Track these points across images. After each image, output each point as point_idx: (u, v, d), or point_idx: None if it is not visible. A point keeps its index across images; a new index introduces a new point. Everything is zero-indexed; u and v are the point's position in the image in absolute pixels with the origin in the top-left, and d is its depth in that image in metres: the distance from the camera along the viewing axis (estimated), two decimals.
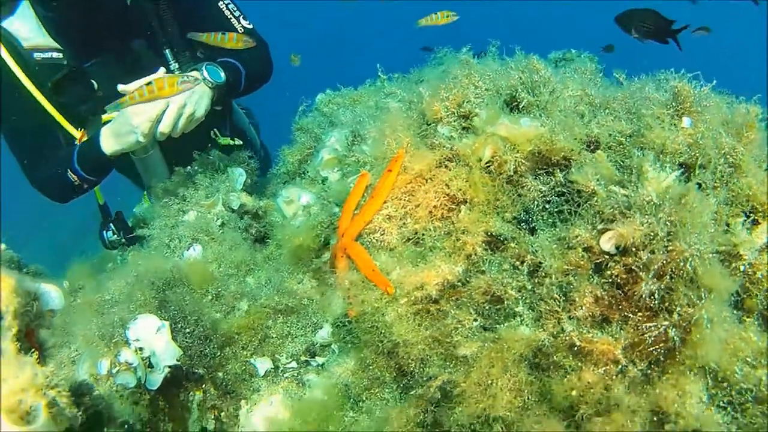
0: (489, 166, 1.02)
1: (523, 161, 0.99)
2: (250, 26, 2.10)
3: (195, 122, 1.71)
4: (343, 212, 1.10)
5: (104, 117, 1.88)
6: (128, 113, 1.61)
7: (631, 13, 1.57)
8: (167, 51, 1.99)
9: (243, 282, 1.46)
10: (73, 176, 1.85)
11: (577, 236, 0.88)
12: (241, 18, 2.08)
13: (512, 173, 0.99)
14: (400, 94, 1.36)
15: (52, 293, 0.85)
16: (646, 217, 0.84)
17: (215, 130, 2.17)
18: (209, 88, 1.73)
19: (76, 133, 1.89)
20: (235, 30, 2.05)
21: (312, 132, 1.72)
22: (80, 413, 0.71)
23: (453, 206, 1.04)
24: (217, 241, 1.59)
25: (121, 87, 1.63)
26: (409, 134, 1.12)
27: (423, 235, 1.04)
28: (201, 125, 1.75)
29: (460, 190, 1.01)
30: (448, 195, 1.03)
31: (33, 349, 0.79)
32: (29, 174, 1.99)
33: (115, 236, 2.14)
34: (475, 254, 0.99)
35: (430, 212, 1.04)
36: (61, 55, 1.88)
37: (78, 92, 1.89)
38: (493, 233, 0.99)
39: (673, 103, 1.01)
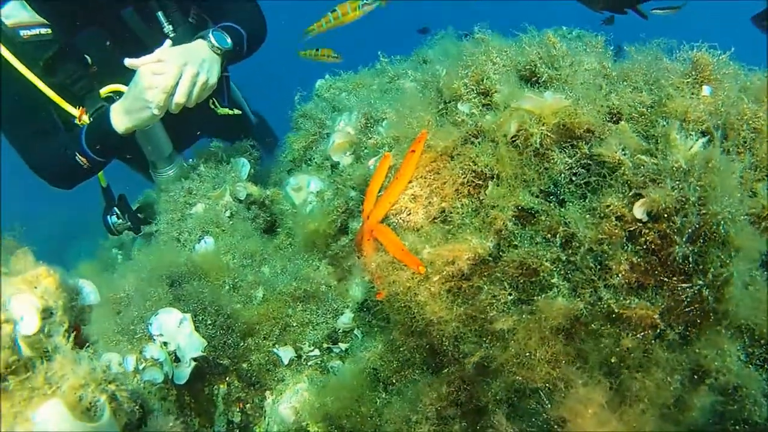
0: (515, 141, 1.03)
1: (549, 134, 1.01)
2: None
3: (209, 90, 1.69)
4: (367, 195, 1.11)
5: (102, 91, 1.86)
6: (140, 88, 1.59)
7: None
8: (160, 14, 1.96)
9: (258, 272, 1.47)
10: (82, 159, 1.80)
11: (609, 205, 0.91)
12: None
13: (539, 146, 1.00)
14: (413, 74, 1.36)
15: (88, 289, 0.85)
16: (677, 182, 0.86)
17: (214, 99, 2.14)
18: (217, 54, 1.71)
19: (75, 112, 1.85)
20: None
21: (316, 118, 1.72)
22: (138, 408, 0.72)
23: (480, 182, 1.05)
24: (227, 232, 1.59)
25: (127, 61, 1.61)
26: (429, 113, 1.13)
27: (451, 213, 1.06)
28: None
29: (487, 165, 1.03)
30: (474, 171, 1.04)
31: (83, 345, 0.79)
32: (31, 160, 1.93)
33: (120, 220, 2.11)
34: (506, 229, 1.00)
35: (457, 189, 1.05)
36: (48, 30, 1.83)
37: (71, 69, 1.87)
38: (523, 207, 1.01)
39: (693, 72, 1.04)
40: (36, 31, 1.82)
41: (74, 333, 0.75)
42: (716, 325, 0.86)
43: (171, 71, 1.54)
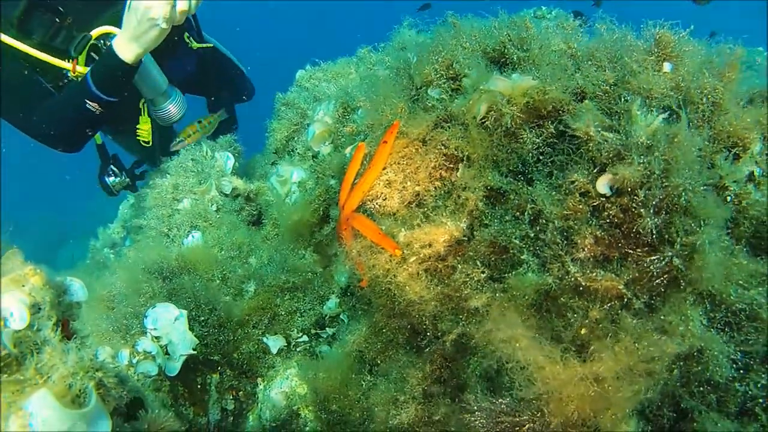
0: (484, 122, 1.08)
1: (519, 114, 1.05)
2: None
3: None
4: (343, 184, 1.16)
5: (94, 33, 1.88)
6: (142, 10, 1.64)
7: None
8: None
9: (246, 263, 1.52)
10: (93, 104, 1.83)
11: (573, 182, 0.95)
12: None
13: (509, 126, 1.05)
14: (389, 61, 1.40)
15: (76, 286, 0.90)
16: (642, 157, 0.91)
17: (187, 34, 2.21)
18: None
19: (67, 65, 1.89)
20: None
21: (298, 107, 1.76)
22: (125, 393, 0.77)
23: (451, 166, 1.10)
24: (215, 225, 1.64)
25: None
26: (401, 100, 1.17)
27: (424, 196, 1.10)
28: (174, 29, 1.76)
29: (458, 148, 1.08)
30: (446, 155, 1.09)
31: (71, 338, 0.84)
32: (36, 128, 1.97)
33: (118, 178, 2.16)
34: (477, 209, 1.05)
35: (430, 174, 1.10)
36: None
37: (48, 23, 1.90)
38: (493, 187, 1.06)
39: (655, 49, 1.08)
40: None
41: (62, 327, 0.80)
42: (680, 293, 0.91)
43: None
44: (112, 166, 2.20)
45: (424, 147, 1.10)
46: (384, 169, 1.13)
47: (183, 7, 1.65)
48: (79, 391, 0.72)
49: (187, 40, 2.18)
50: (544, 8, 2.41)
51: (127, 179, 2.19)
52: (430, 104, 1.15)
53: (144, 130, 2.16)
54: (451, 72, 1.19)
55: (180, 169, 1.80)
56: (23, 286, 0.82)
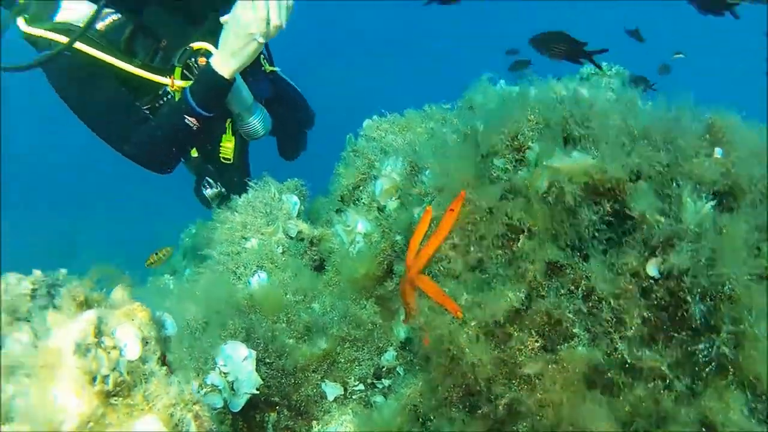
0: (546, 197, 1.26)
1: (579, 192, 1.23)
2: None
3: (291, 10, 2.02)
4: (410, 245, 1.36)
5: (195, 45, 2.22)
6: (242, 24, 1.94)
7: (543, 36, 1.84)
8: None
9: (310, 308, 1.74)
10: (191, 119, 2.13)
11: (625, 263, 1.12)
12: None
13: (570, 204, 1.23)
14: (456, 123, 1.61)
15: (169, 321, 1.12)
16: (689, 245, 1.07)
17: (263, 56, 2.59)
18: None
19: (166, 81, 2.22)
20: None
21: (366, 156, 1.99)
22: (215, 427, 0.98)
23: (513, 236, 1.28)
24: (280, 268, 1.87)
25: (222, 19, 2.01)
26: (469, 167, 1.37)
27: (487, 263, 1.29)
28: None
29: (520, 220, 1.26)
30: (509, 225, 1.27)
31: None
32: (132, 149, 2.28)
33: (215, 189, 2.48)
34: (536, 280, 1.23)
35: (493, 242, 1.28)
36: (118, 16, 2.21)
37: (148, 45, 2.25)
38: (551, 260, 1.23)
39: (707, 135, 1.24)
40: (109, 20, 2.20)
41: (162, 360, 1.03)
42: (722, 379, 1.05)
43: (261, 3, 1.91)
44: (208, 179, 2.51)
45: (489, 216, 1.29)
46: (450, 233, 1.32)
47: (276, 22, 1.94)
48: (179, 420, 0.94)
49: (263, 62, 2.52)
50: (605, 64, 2.58)
51: (223, 189, 2.49)
52: (495, 174, 1.35)
53: (227, 147, 2.47)
54: (516, 143, 1.38)
55: (249, 208, 2.06)
56: (133, 320, 1.06)
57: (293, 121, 3.00)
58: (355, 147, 2.09)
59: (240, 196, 2.21)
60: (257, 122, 2.39)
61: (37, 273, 2.82)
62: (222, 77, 2.06)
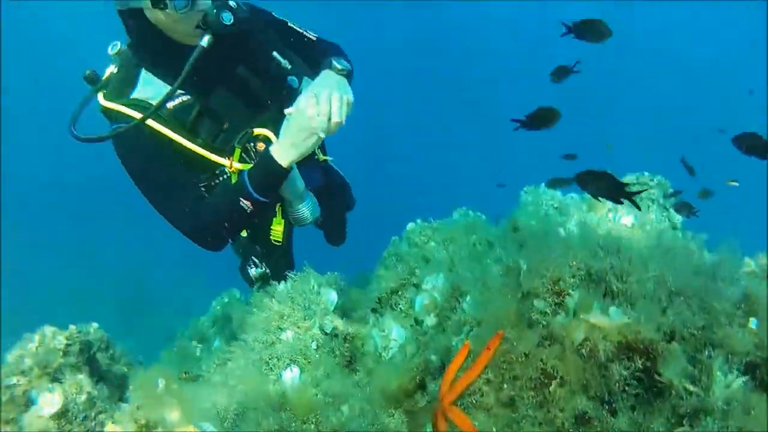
0: (580, 349, 1.39)
1: (612, 349, 1.36)
2: (317, 35, 2.73)
3: (350, 107, 2.21)
4: (446, 377, 1.49)
5: (255, 131, 2.43)
6: (304, 120, 2.12)
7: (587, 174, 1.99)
8: (275, 53, 2.51)
9: (339, 411, 1.86)
10: (246, 202, 2.29)
11: (653, 427, 1.24)
12: (308, 31, 2.72)
13: (603, 359, 1.35)
14: (499, 251, 1.76)
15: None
16: (716, 422, 1.18)
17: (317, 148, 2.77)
18: (344, 75, 2.28)
19: (225, 162, 2.41)
20: (312, 41, 2.69)
21: (407, 263, 2.14)
22: None
23: (546, 381, 1.41)
24: (313, 365, 2.00)
25: (287, 111, 2.18)
26: (509, 306, 1.51)
27: (519, 402, 1.41)
28: None
29: (554, 367, 1.39)
30: (543, 370, 1.40)
31: None
32: (188, 225, 2.45)
33: (260, 270, 2.64)
34: (564, 427, 1.35)
35: (526, 383, 1.41)
36: (189, 97, 2.42)
37: (212, 127, 2.44)
38: (580, 410, 1.35)
39: (743, 304, 1.37)
40: (178, 100, 2.41)
41: None
42: None
43: (324, 99, 2.09)
44: (254, 258, 2.68)
45: (525, 359, 1.42)
46: (485, 368, 1.45)
47: (337, 119, 2.13)
48: None
49: (317, 152, 2.72)
50: (647, 174, 2.74)
51: (268, 270, 2.65)
52: (534, 317, 1.49)
53: (277, 230, 2.65)
54: (556, 287, 1.53)
55: (288, 299, 2.21)
56: None
57: (340, 210, 3.20)
58: (396, 251, 2.24)
59: (282, 281, 2.39)
60: (306, 210, 2.56)
61: (72, 328, 3.01)
62: (280, 166, 2.24)
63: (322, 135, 2.16)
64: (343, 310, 2.36)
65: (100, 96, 2.38)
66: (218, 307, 3.27)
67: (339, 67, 2.29)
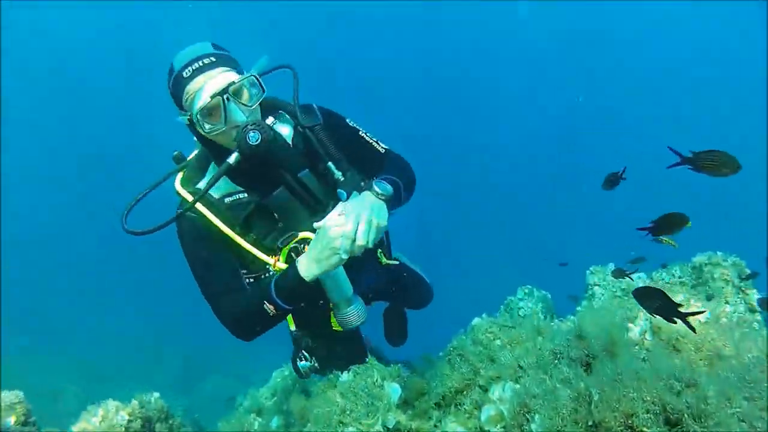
0: None
1: None
2: (387, 147, 2.76)
3: (381, 231, 2.23)
4: None
5: (301, 234, 2.48)
6: (328, 238, 2.16)
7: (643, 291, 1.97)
8: (330, 164, 2.56)
9: None
10: (270, 306, 2.35)
11: None
12: (379, 142, 2.75)
13: None
14: (567, 371, 1.76)
15: None
16: None
17: (380, 250, 2.82)
18: (382, 200, 2.29)
19: (270, 260, 2.48)
20: (380, 152, 2.73)
21: (472, 364, 2.15)
22: None
23: None
24: None
25: (315, 225, 2.22)
26: None
27: None
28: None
29: None
30: None
31: None
32: (219, 311, 2.53)
33: (309, 364, 2.69)
34: None
35: None
36: (246, 195, 2.53)
37: (263, 225, 2.51)
38: None
39: None
40: (236, 197, 2.54)
41: None
42: None
43: (351, 220, 2.12)
44: (303, 352, 2.74)
45: None
46: None
47: (361, 242, 2.15)
48: None
49: (379, 256, 2.77)
50: (719, 254, 2.66)
51: (317, 364, 2.70)
52: None
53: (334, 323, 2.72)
54: (629, 421, 1.51)
55: (351, 394, 2.24)
56: None
57: (401, 310, 3.24)
58: (460, 349, 2.25)
59: (337, 370, 2.43)
60: (353, 314, 2.60)
61: (135, 404, 3.13)
62: (302, 278, 2.28)
63: (345, 256, 2.17)
64: (406, 400, 2.38)
65: (178, 178, 2.56)
66: (278, 379, 3.34)
67: (379, 191, 2.30)
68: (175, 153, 2.62)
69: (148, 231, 2.40)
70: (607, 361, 1.86)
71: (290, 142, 2.60)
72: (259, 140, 2.25)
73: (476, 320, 2.34)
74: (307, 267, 2.27)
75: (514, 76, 21.97)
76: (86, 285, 15.44)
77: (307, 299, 2.41)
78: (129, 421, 2.79)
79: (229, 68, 2.33)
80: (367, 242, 2.17)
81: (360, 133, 2.74)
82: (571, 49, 21.26)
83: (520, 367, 2.01)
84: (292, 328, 2.67)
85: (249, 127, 2.26)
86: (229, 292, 2.51)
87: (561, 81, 21.13)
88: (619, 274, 2.80)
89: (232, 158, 2.32)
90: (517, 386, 1.89)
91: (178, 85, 2.33)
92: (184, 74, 2.30)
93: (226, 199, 2.53)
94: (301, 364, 2.68)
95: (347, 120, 2.74)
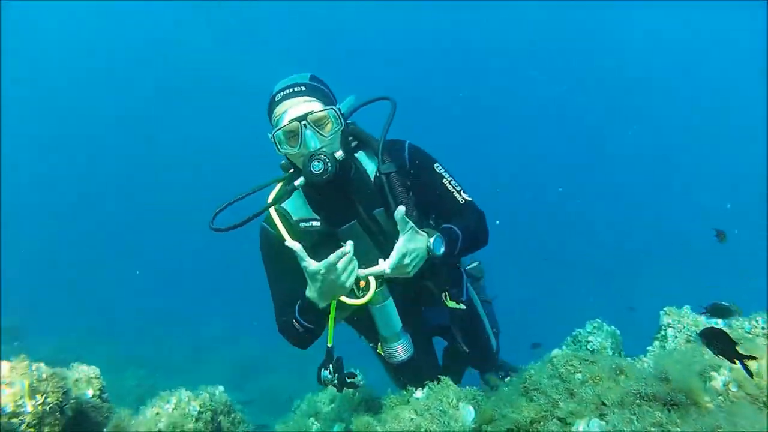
0: None
1: None
2: (470, 198, 2.86)
3: (404, 275, 2.46)
4: None
5: (362, 272, 2.58)
6: (326, 285, 2.38)
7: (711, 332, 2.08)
8: (400, 207, 2.66)
9: None
10: (297, 324, 2.62)
11: None
12: (462, 191, 2.87)
13: None
14: (658, 415, 1.81)
15: None
16: None
17: (447, 292, 2.95)
18: (428, 255, 2.48)
19: None
20: (459, 203, 2.84)
21: (550, 396, 2.21)
22: None
23: None
24: None
25: (380, 263, 2.44)
26: None
27: None
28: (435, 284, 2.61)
29: None
30: None
31: None
32: (276, 319, 2.82)
33: (329, 377, 2.84)
34: None
35: None
36: (318, 224, 2.78)
37: (329, 252, 2.62)
38: None
39: None
40: (309, 224, 2.81)
41: None
42: None
43: (345, 262, 2.36)
44: (331, 365, 2.86)
45: None
46: None
47: (386, 270, 2.43)
48: None
49: (443, 298, 2.91)
50: (761, 320, 2.67)
51: (336, 381, 2.83)
52: None
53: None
54: None
55: (427, 413, 2.33)
56: None
57: (462, 358, 3.43)
58: (536, 385, 2.31)
59: (421, 387, 2.53)
60: (400, 348, 2.82)
61: (205, 396, 3.28)
62: (314, 303, 2.50)
63: (340, 292, 2.44)
64: (479, 425, 2.45)
65: (276, 188, 2.84)
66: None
67: (431, 246, 2.50)
68: (283, 162, 2.85)
69: (228, 228, 2.64)
70: (694, 410, 1.92)
71: (372, 179, 2.77)
72: (321, 170, 2.48)
73: (556, 351, 2.40)
74: (316, 296, 2.50)
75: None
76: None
77: (320, 323, 2.64)
78: (200, 412, 2.93)
79: (314, 98, 2.59)
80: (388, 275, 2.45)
81: (444, 180, 2.89)
82: None
83: (604, 404, 2.07)
84: (330, 344, 2.81)
85: (315, 156, 2.49)
86: (284, 306, 2.76)
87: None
88: (714, 312, 2.84)
89: (298, 181, 2.63)
90: (603, 423, 1.95)
91: (270, 106, 2.64)
92: (276, 98, 2.61)
93: (301, 224, 2.80)
94: (324, 372, 2.84)
95: (435, 165, 2.91)
